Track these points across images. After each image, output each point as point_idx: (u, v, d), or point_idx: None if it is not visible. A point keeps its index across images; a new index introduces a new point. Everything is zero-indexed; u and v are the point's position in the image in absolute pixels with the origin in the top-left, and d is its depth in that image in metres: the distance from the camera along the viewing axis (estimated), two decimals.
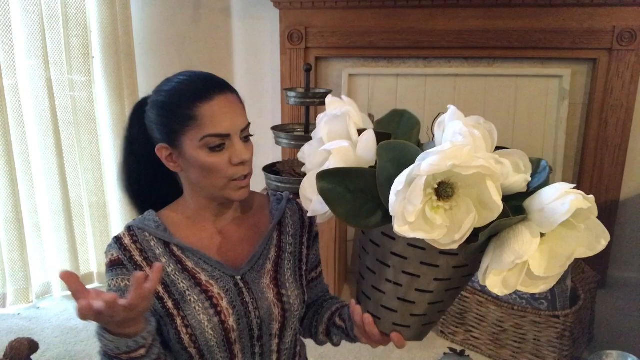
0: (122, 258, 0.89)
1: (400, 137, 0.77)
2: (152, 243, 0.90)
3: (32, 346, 1.74)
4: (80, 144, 2.47)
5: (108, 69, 2.42)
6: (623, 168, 2.45)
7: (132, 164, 0.97)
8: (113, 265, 0.89)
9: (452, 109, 0.70)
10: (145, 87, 2.53)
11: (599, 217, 0.63)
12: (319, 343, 1.05)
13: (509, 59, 2.49)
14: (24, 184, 2.33)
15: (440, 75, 2.58)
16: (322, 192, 0.68)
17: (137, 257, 0.89)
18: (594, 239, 0.61)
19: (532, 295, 1.87)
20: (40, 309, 2.38)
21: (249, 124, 0.89)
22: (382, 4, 2.46)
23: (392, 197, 0.62)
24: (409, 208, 0.59)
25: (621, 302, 2.42)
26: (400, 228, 0.61)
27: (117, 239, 0.90)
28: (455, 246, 0.63)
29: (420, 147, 0.74)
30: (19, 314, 2.33)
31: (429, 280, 0.71)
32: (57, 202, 2.39)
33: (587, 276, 2.08)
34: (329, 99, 0.79)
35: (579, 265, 2.11)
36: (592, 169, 2.47)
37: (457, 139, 0.64)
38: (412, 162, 0.62)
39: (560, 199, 0.58)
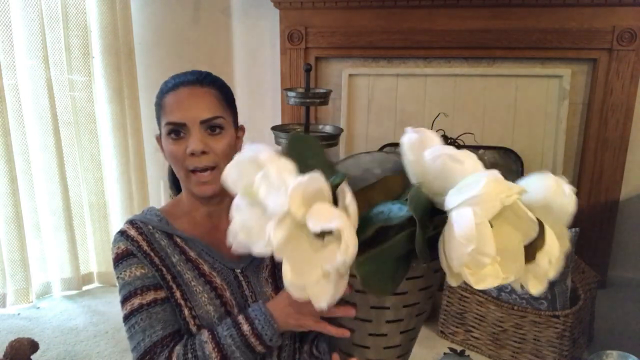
0: (131, 248, 0.90)
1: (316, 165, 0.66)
2: (157, 235, 0.92)
3: (32, 346, 1.74)
4: (80, 144, 2.47)
5: (108, 69, 2.41)
6: (623, 168, 2.45)
7: None
8: (122, 257, 0.90)
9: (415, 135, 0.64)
10: (145, 87, 2.53)
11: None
12: None
13: (509, 59, 2.49)
14: (24, 184, 2.33)
15: (440, 75, 2.58)
16: (366, 279, 0.57)
17: (145, 247, 0.90)
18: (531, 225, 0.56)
19: (532, 295, 1.87)
20: (40, 309, 2.38)
21: (216, 116, 0.90)
22: (382, 4, 2.46)
23: (460, 257, 0.53)
24: (485, 260, 0.52)
25: (621, 302, 2.42)
26: (478, 284, 0.54)
27: (122, 232, 0.92)
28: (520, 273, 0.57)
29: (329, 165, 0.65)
30: (19, 314, 2.33)
31: (398, 309, 0.66)
32: (57, 202, 2.39)
33: (587, 276, 2.08)
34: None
35: (579, 265, 2.11)
36: (592, 169, 2.47)
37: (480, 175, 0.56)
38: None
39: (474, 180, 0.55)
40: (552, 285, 1.84)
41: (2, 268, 2.30)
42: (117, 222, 2.59)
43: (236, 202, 0.62)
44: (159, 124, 0.94)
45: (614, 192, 2.47)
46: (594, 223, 2.49)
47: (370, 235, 0.56)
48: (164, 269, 0.90)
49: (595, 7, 2.31)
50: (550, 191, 0.58)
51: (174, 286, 0.89)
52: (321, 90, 2.22)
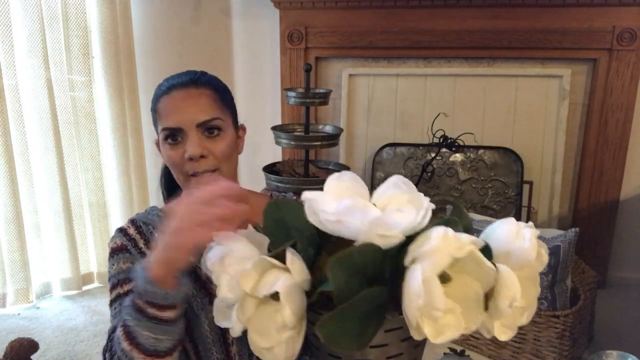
0: (127, 244, 0.89)
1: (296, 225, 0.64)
2: (156, 236, 0.90)
3: (32, 346, 1.74)
4: (80, 144, 2.47)
5: (108, 69, 2.41)
6: (623, 168, 2.45)
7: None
8: (116, 251, 0.89)
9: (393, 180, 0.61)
10: (145, 87, 2.53)
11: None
12: None
13: (509, 59, 2.49)
14: (24, 184, 2.33)
15: (440, 75, 2.58)
16: (330, 339, 0.54)
17: (142, 245, 0.89)
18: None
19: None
20: (40, 309, 2.38)
21: (213, 118, 0.87)
22: (382, 4, 2.46)
23: (414, 312, 0.54)
24: (436, 313, 0.54)
25: (621, 302, 2.42)
26: (437, 338, 0.55)
27: (121, 229, 0.91)
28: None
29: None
30: (19, 314, 2.33)
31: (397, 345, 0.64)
32: (57, 202, 2.39)
33: (587, 276, 2.08)
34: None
35: (579, 265, 2.11)
36: (592, 169, 2.47)
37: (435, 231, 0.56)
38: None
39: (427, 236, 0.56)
40: (552, 285, 1.84)
41: (2, 268, 2.30)
42: (117, 222, 2.59)
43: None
44: (156, 129, 0.92)
45: (614, 192, 2.47)
46: (594, 223, 2.49)
47: (317, 299, 0.57)
48: None
49: (595, 7, 2.31)
50: (511, 236, 0.58)
51: None
52: (321, 90, 2.22)
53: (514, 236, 0.58)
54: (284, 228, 0.62)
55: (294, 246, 0.59)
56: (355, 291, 0.54)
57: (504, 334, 0.58)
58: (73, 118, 2.42)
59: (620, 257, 2.58)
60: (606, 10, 2.31)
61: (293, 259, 0.58)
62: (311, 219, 0.58)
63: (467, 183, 2.53)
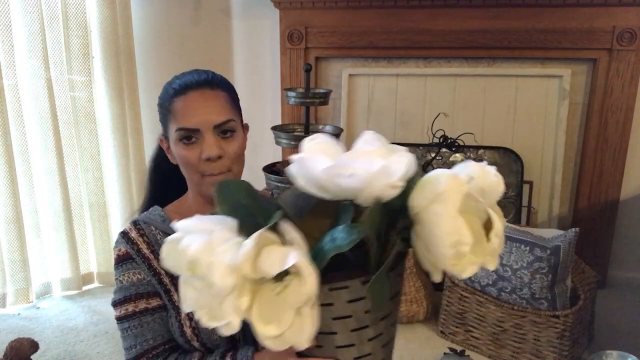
0: (130, 251, 0.91)
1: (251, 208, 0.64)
2: (159, 237, 0.92)
3: (32, 346, 1.74)
4: (80, 144, 2.47)
5: (108, 69, 2.41)
6: (623, 168, 2.45)
7: (157, 159, 1.04)
8: (122, 261, 0.91)
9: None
10: (145, 87, 2.54)
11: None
12: None
13: (509, 59, 2.49)
14: (24, 184, 2.33)
15: (440, 75, 2.58)
16: (378, 298, 0.60)
17: (145, 250, 0.91)
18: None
19: (532, 295, 1.87)
20: (40, 309, 2.38)
21: (228, 120, 0.89)
22: (382, 4, 2.46)
23: (446, 250, 0.56)
24: (465, 249, 0.56)
25: (621, 302, 2.42)
26: (463, 274, 0.58)
27: (124, 234, 0.92)
28: None
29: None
30: (19, 314, 2.33)
31: (361, 316, 0.65)
32: (57, 202, 2.39)
33: (587, 276, 2.08)
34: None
35: (579, 265, 2.11)
36: (592, 169, 2.47)
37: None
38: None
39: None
40: (552, 285, 1.84)
41: (2, 268, 2.30)
42: (117, 222, 2.59)
43: (183, 279, 0.59)
44: (165, 127, 0.93)
45: (614, 192, 2.47)
46: (594, 223, 2.49)
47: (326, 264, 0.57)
48: (162, 272, 0.90)
49: (595, 7, 2.31)
50: (479, 175, 0.61)
51: (172, 289, 0.90)
52: (321, 90, 2.22)
53: (481, 174, 0.62)
54: (243, 208, 0.61)
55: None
56: (382, 249, 0.59)
57: (492, 265, 0.61)
58: (73, 118, 2.42)
59: (620, 257, 2.58)
60: (606, 10, 2.31)
61: (291, 229, 0.56)
62: (301, 181, 0.58)
63: None
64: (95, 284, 2.62)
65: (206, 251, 0.55)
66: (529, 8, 2.37)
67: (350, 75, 2.64)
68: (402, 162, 0.57)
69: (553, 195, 2.56)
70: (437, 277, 0.60)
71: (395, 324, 0.72)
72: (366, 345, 0.67)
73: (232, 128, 0.89)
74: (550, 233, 1.90)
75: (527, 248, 1.85)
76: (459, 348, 1.95)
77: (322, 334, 0.64)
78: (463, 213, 0.57)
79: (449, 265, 0.57)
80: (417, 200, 0.58)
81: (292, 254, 0.53)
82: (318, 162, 0.56)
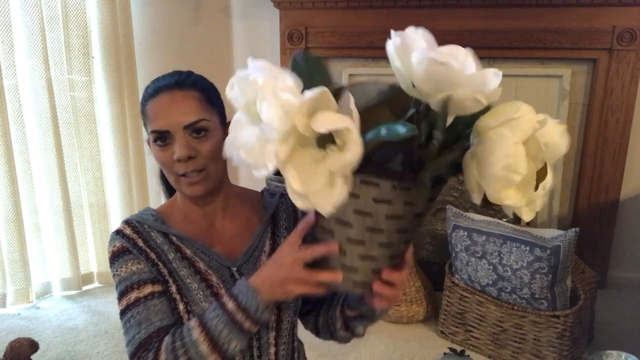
0: (127, 245, 0.91)
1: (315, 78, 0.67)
2: (153, 234, 0.93)
3: (32, 346, 1.75)
4: (80, 144, 2.47)
5: (108, 69, 2.42)
6: (623, 168, 2.45)
7: None
8: (118, 254, 0.91)
9: None
10: (145, 87, 2.53)
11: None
12: (342, 340, 0.99)
13: (509, 59, 2.49)
14: (24, 184, 2.33)
15: None
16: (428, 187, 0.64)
17: (141, 244, 0.91)
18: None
19: (532, 295, 1.87)
20: (40, 309, 2.38)
21: (199, 120, 0.88)
22: (382, 4, 2.46)
23: (497, 172, 0.58)
24: (516, 177, 0.57)
25: (621, 302, 2.42)
26: (502, 200, 0.60)
27: (118, 232, 0.93)
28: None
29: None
30: (19, 314, 2.33)
31: (380, 219, 0.68)
32: (57, 202, 2.39)
33: (587, 276, 2.08)
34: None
35: (579, 265, 2.11)
36: (592, 169, 2.47)
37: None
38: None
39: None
40: (552, 285, 1.84)
41: (2, 268, 2.31)
42: (117, 222, 2.59)
43: (237, 118, 0.63)
44: (146, 130, 0.94)
45: (614, 192, 2.47)
46: (594, 223, 2.49)
47: (371, 150, 0.59)
48: (160, 264, 0.90)
49: (595, 7, 2.31)
50: (548, 128, 0.62)
51: (170, 280, 0.90)
52: None
53: (552, 127, 0.62)
54: (310, 82, 0.62)
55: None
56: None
57: (527, 216, 0.62)
58: (73, 118, 2.42)
59: (620, 257, 2.58)
60: (606, 10, 2.31)
61: (352, 102, 0.57)
62: (401, 59, 0.60)
63: None
64: (95, 284, 2.62)
65: (270, 88, 0.57)
66: (529, 8, 2.37)
67: (350, 75, 2.64)
68: (496, 80, 0.58)
69: (553, 195, 2.56)
70: (477, 198, 0.61)
71: (409, 241, 0.74)
72: (374, 249, 0.70)
73: (204, 127, 0.89)
74: (550, 233, 1.90)
75: (527, 248, 1.85)
76: (459, 348, 1.95)
77: (339, 222, 0.68)
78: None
79: (494, 189, 0.58)
80: (487, 122, 0.60)
81: (345, 120, 0.55)
82: (420, 42, 0.59)
